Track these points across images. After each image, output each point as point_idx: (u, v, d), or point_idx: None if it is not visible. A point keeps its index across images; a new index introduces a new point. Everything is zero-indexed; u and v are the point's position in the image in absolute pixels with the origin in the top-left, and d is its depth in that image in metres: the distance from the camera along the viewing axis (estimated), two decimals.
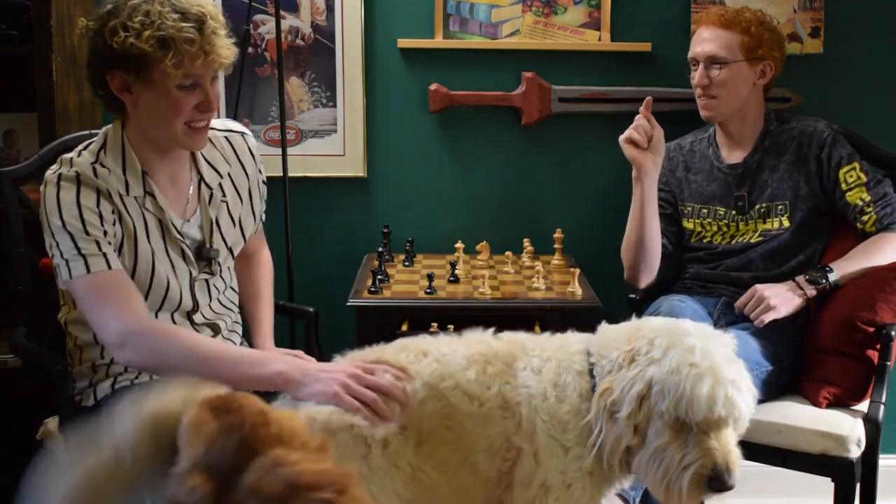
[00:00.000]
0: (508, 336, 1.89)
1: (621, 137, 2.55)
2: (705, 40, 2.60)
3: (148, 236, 2.03)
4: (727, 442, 1.67)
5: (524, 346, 1.84)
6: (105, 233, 1.94)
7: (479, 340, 1.87)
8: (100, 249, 1.92)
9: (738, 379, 1.68)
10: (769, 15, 2.68)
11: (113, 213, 1.97)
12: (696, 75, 2.62)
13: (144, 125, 1.99)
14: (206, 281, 2.14)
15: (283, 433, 1.40)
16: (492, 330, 1.90)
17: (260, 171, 2.26)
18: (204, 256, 2.11)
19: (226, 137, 2.19)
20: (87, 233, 1.91)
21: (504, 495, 1.80)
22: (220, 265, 2.16)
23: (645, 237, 2.58)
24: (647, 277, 2.64)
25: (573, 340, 1.86)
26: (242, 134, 2.23)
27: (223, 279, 2.20)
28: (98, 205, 1.95)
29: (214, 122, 2.18)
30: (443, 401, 1.78)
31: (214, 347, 1.96)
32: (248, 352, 2.05)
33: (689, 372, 1.65)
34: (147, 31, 1.86)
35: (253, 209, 2.24)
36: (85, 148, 2.04)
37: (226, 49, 1.95)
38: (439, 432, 1.78)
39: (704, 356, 1.67)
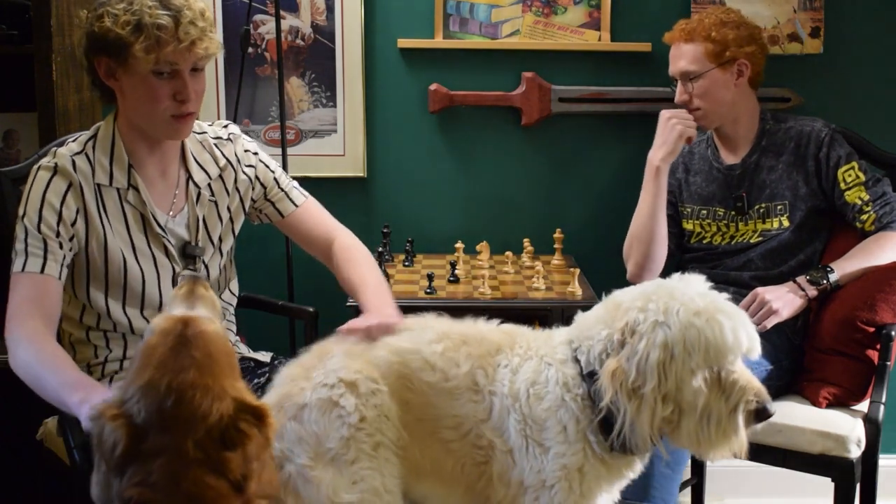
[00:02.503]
0: (507, 327, 1.88)
1: (681, 131, 2.54)
2: (675, 57, 2.61)
3: (128, 231, 2.05)
4: (745, 371, 1.69)
5: (514, 340, 1.83)
6: (58, 233, 1.96)
7: (472, 325, 1.87)
8: (44, 252, 1.95)
9: (736, 310, 1.70)
10: (735, 11, 2.64)
11: (77, 211, 1.99)
12: (677, 92, 2.63)
13: (130, 113, 2.03)
14: None
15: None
16: (496, 322, 1.89)
17: (253, 166, 2.22)
18: (189, 254, 2.12)
19: (215, 145, 2.19)
20: (39, 230, 1.95)
21: (487, 489, 1.80)
22: (205, 264, 2.16)
23: (656, 229, 2.58)
24: (651, 275, 2.61)
25: (558, 333, 1.85)
26: (230, 139, 2.21)
27: (210, 279, 2.18)
28: (62, 201, 1.98)
29: (206, 127, 2.20)
30: (399, 358, 1.79)
31: (44, 370, 1.82)
32: (66, 378, 1.80)
33: (702, 322, 1.65)
34: (125, 17, 1.91)
35: (242, 202, 2.22)
36: (74, 140, 2.07)
37: (206, 41, 1.97)
38: (401, 392, 1.78)
39: (703, 300, 1.68)
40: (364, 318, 1.92)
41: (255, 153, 2.24)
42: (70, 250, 1.99)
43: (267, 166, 2.25)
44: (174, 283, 2.10)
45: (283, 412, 1.77)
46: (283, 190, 2.26)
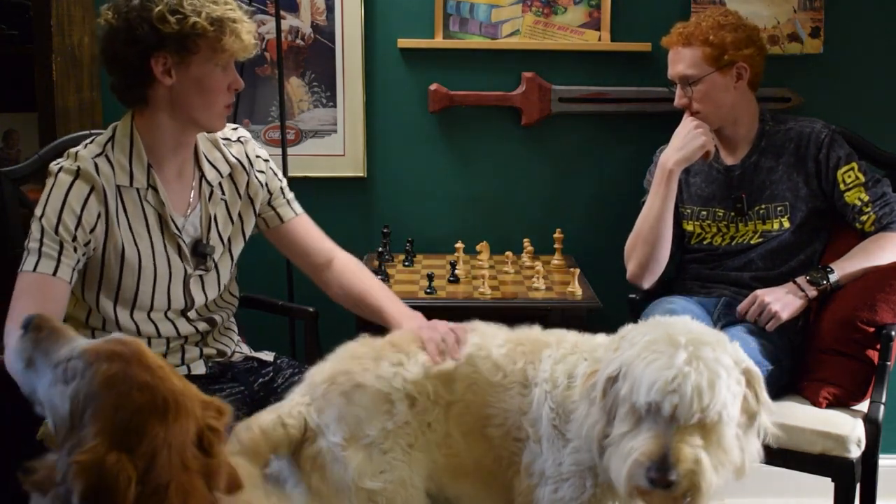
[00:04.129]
0: (557, 330, 1.94)
1: (704, 143, 2.52)
2: (673, 62, 2.60)
3: (148, 230, 2.05)
4: (686, 438, 1.56)
5: (561, 339, 1.89)
6: (75, 237, 1.95)
7: (527, 329, 1.94)
8: (58, 254, 1.93)
9: (691, 369, 1.56)
10: (733, 13, 2.63)
11: (98, 216, 1.98)
12: (676, 96, 2.62)
13: (179, 109, 2.01)
14: (202, 278, 2.14)
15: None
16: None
17: (263, 172, 2.24)
18: (200, 252, 2.12)
19: (223, 144, 2.20)
20: (56, 232, 1.94)
21: (514, 480, 1.83)
22: (214, 262, 2.16)
23: (663, 232, 2.58)
24: (652, 277, 2.62)
25: (604, 336, 1.89)
26: (241, 141, 2.23)
27: (220, 280, 2.19)
28: (84, 205, 1.96)
29: None
30: (473, 367, 1.85)
31: None
32: None
33: (647, 355, 1.61)
34: (204, 11, 1.93)
35: (253, 205, 2.23)
36: (92, 141, 2.06)
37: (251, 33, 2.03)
38: (465, 395, 1.84)
39: (671, 343, 1.61)
40: (431, 329, 1.95)
41: (266, 160, 2.26)
42: (84, 255, 1.98)
43: (276, 174, 2.27)
44: (185, 284, 2.10)
45: (336, 386, 1.80)
46: (286, 198, 2.28)
